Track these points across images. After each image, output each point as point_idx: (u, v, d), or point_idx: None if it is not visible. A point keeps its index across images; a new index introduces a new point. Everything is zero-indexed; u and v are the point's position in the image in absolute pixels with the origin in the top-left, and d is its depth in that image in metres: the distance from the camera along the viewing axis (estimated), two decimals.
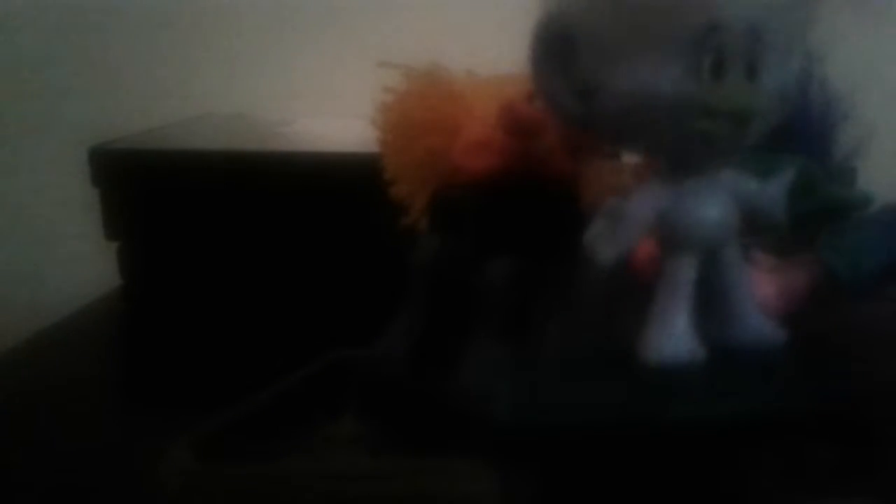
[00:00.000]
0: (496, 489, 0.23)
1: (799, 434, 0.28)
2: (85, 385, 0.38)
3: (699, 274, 0.26)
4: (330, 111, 0.64)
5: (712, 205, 0.26)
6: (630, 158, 0.30)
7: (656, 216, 0.26)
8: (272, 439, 0.27)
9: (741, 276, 0.27)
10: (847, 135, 0.39)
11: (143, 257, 0.51)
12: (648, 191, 0.26)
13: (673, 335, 0.26)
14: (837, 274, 0.29)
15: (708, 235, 0.26)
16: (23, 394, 0.37)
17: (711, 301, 0.27)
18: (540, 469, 0.24)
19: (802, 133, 0.38)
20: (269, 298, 0.48)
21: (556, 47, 0.26)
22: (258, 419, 0.28)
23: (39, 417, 0.34)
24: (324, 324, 0.42)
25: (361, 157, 0.41)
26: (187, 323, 0.46)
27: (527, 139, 0.32)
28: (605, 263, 0.25)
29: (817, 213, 0.35)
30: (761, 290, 0.30)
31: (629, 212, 0.25)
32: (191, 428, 0.26)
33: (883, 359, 0.30)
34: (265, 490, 0.24)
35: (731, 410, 0.27)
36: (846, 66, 0.38)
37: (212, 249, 0.50)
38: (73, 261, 0.68)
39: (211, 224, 0.50)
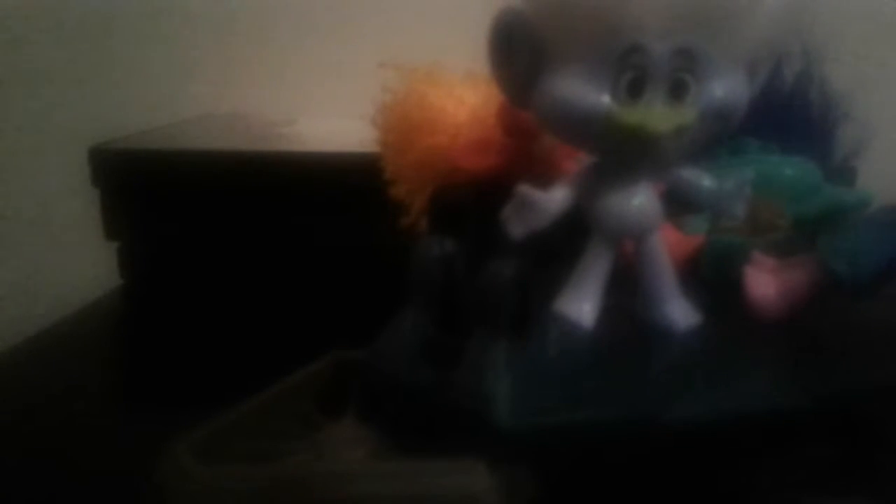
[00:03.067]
0: (496, 489, 0.23)
1: (799, 434, 0.28)
2: (84, 385, 0.38)
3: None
4: (330, 111, 0.64)
5: (634, 199, 0.28)
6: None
7: (572, 206, 0.28)
8: (272, 439, 0.27)
9: (661, 263, 0.29)
10: (847, 135, 0.39)
11: (143, 257, 0.51)
12: (565, 184, 0.28)
13: (579, 302, 0.28)
14: (837, 274, 0.29)
15: (628, 227, 0.28)
16: (23, 394, 0.37)
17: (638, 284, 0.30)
18: (540, 469, 0.24)
19: (802, 133, 0.38)
20: (270, 298, 0.48)
21: (501, 38, 0.27)
22: (258, 419, 0.28)
23: (39, 417, 0.34)
24: (324, 324, 0.42)
25: (361, 157, 0.41)
26: (187, 323, 0.46)
27: (527, 139, 0.32)
28: (515, 238, 0.27)
29: (817, 213, 0.35)
30: (761, 290, 0.30)
31: (536, 202, 0.27)
32: (190, 428, 0.26)
33: (883, 359, 0.30)
34: (265, 490, 0.24)
35: (731, 410, 0.27)
36: (846, 66, 0.38)
37: (212, 249, 0.50)
38: (73, 261, 0.68)
39: (211, 224, 0.50)
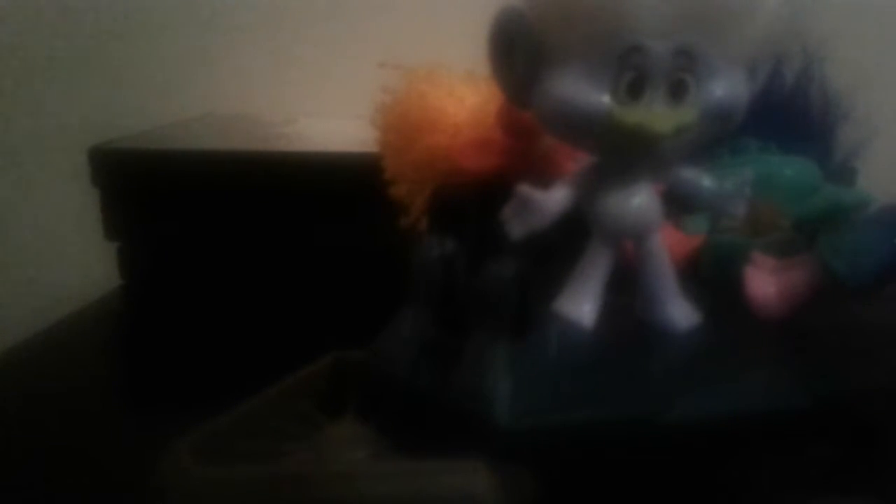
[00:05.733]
0: (496, 489, 0.23)
1: (799, 434, 0.28)
2: (84, 385, 0.38)
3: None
4: (330, 111, 0.64)
5: (634, 200, 0.28)
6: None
7: (572, 206, 0.28)
8: (272, 439, 0.27)
9: (661, 263, 0.29)
10: (847, 135, 0.39)
11: (143, 257, 0.51)
12: (564, 184, 0.28)
13: (579, 302, 0.28)
14: (837, 274, 0.29)
15: (628, 227, 0.28)
16: (23, 394, 0.37)
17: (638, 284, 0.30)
18: (540, 469, 0.24)
19: (802, 133, 0.38)
20: (270, 298, 0.48)
21: (502, 38, 0.27)
22: (258, 419, 0.28)
23: (39, 417, 0.34)
24: (324, 324, 0.42)
25: (361, 157, 0.41)
26: (187, 323, 0.46)
27: (527, 139, 0.32)
28: (515, 238, 0.27)
29: (817, 213, 0.35)
30: (761, 290, 0.30)
31: (536, 202, 0.27)
32: (191, 428, 0.26)
33: (883, 359, 0.30)
34: (265, 490, 0.24)
35: (731, 410, 0.27)
36: (846, 66, 0.38)
37: (212, 249, 0.50)
38: (73, 261, 0.68)
39: (211, 224, 0.50)
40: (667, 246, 0.30)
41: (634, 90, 0.26)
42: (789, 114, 0.39)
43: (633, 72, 0.25)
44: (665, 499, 0.26)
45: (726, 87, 0.27)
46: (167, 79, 0.70)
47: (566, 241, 0.28)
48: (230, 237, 0.50)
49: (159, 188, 0.49)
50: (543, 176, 0.29)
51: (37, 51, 0.69)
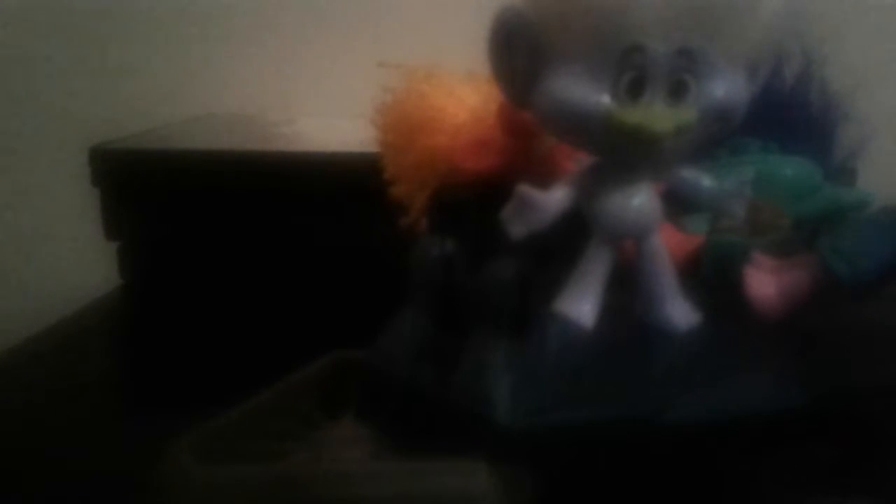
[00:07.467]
0: (496, 489, 0.23)
1: (799, 434, 0.28)
2: (85, 385, 0.38)
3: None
4: (330, 111, 0.64)
5: (634, 200, 0.28)
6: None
7: (572, 206, 0.28)
8: (272, 439, 0.27)
9: (661, 263, 0.29)
10: (847, 135, 0.39)
11: (143, 257, 0.51)
12: (565, 184, 0.28)
13: (579, 302, 0.28)
14: (837, 274, 0.29)
15: (628, 227, 0.28)
16: (23, 394, 0.37)
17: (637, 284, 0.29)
18: (540, 469, 0.24)
19: (802, 133, 0.38)
20: (270, 298, 0.48)
21: (501, 38, 0.27)
22: (258, 419, 0.28)
23: (39, 418, 0.34)
24: (324, 324, 0.42)
25: (361, 157, 0.41)
26: (188, 323, 0.46)
27: (527, 139, 0.32)
28: (515, 238, 0.27)
29: (817, 213, 0.35)
30: (761, 290, 0.30)
31: (536, 202, 0.27)
32: (190, 428, 0.26)
33: (883, 359, 0.30)
34: (265, 490, 0.24)
35: (731, 410, 0.27)
36: (846, 66, 0.38)
37: (212, 249, 0.50)
38: (73, 261, 0.68)
39: (211, 224, 0.50)
40: (667, 246, 0.30)
41: (634, 90, 0.26)
42: (789, 114, 0.39)
43: (633, 72, 0.25)
44: (665, 499, 0.26)
45: (726, 88, 0.27)
46: (167, 79, 0.70)
47: (566, 241, 0.28)
48: (230, 237, 0.50)
49: (159, 188, 0.50)
50: (543, 176, 0.29)
51: (37, 51, 0.69)
